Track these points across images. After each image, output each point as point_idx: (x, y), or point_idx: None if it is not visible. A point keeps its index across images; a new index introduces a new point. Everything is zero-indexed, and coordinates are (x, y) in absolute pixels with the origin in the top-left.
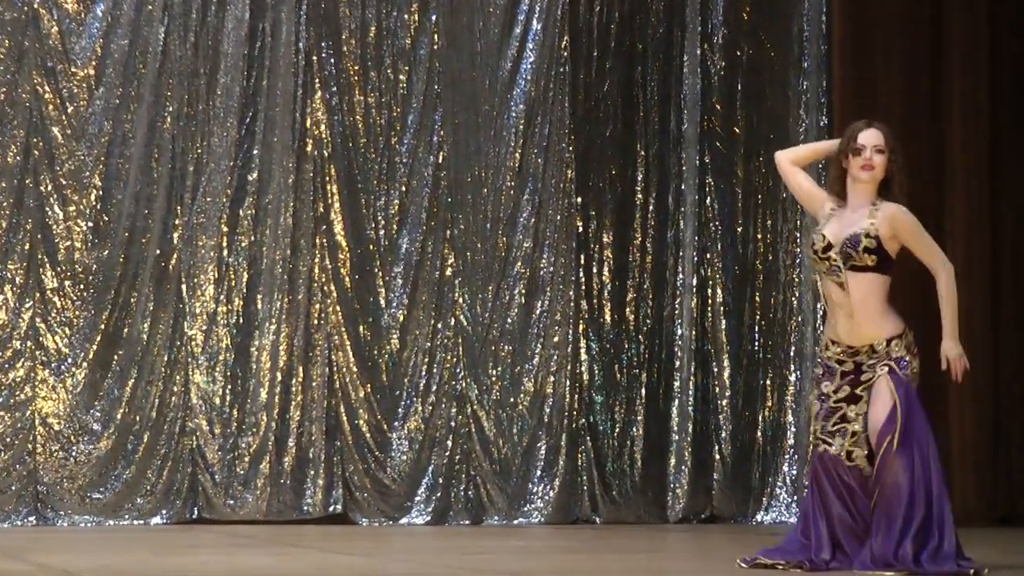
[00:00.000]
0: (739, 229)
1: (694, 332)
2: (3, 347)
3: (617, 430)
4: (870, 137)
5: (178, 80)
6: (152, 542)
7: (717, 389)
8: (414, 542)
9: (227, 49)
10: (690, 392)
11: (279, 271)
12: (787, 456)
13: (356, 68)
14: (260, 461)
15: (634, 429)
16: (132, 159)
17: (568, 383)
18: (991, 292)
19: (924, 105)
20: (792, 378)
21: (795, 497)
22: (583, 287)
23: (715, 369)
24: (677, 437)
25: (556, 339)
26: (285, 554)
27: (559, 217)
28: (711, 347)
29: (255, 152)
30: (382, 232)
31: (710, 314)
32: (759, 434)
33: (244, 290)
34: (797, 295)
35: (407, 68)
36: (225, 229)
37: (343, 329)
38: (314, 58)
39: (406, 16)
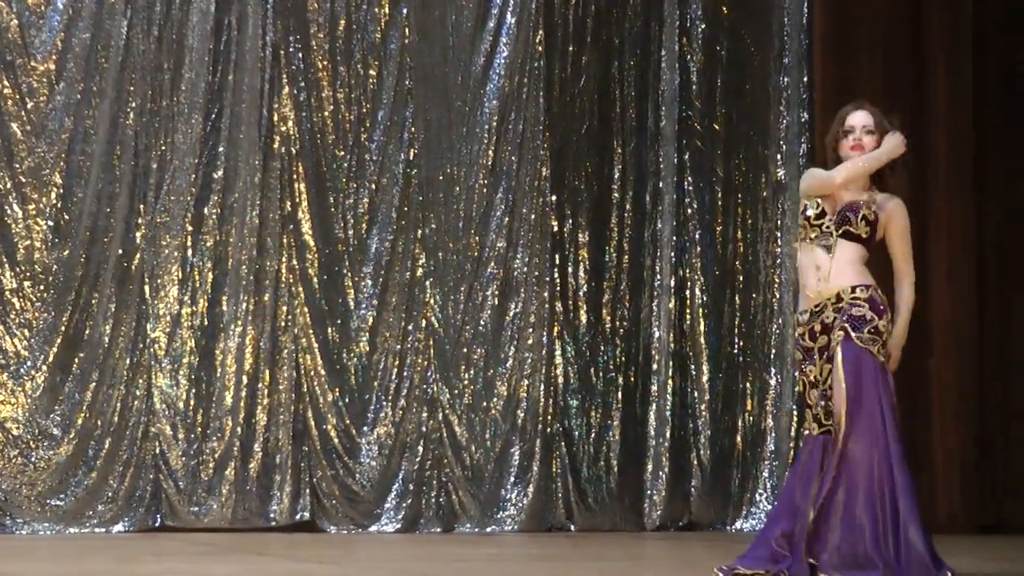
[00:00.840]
0: (718, 228)
1: (672, 334)
2: None
3: (593, 435)
4: (859, 118)
5: (141, 75)
6: (114, 550)
7: (696, 393)
8: (384, 550)
9: (192, 43)
10: (668, 396)
11: (245, 271)
12: (767, 462)
13: (325, 63)
14: (225, 467)
15: (610, 434)
16: (94, 156)
17: (542, 387)
18: (975, 292)
19: (907, 102)
20: (773, 382)
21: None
22: (558, 288)
23: (694, 372)
24: (654, 442)
25: (530, 341)
26: (251, 563)
27: (533, 216)
28: (690, 350)
29: (220, 149)
30: (351, 231)
31: (689, 316)
32: (739, 439)
33: (209, 291)
34: (778, 296)
35: (377, 63)
36: (190, 228)
37: (311, 331)
38: (281, 52)
39: (376, 10)
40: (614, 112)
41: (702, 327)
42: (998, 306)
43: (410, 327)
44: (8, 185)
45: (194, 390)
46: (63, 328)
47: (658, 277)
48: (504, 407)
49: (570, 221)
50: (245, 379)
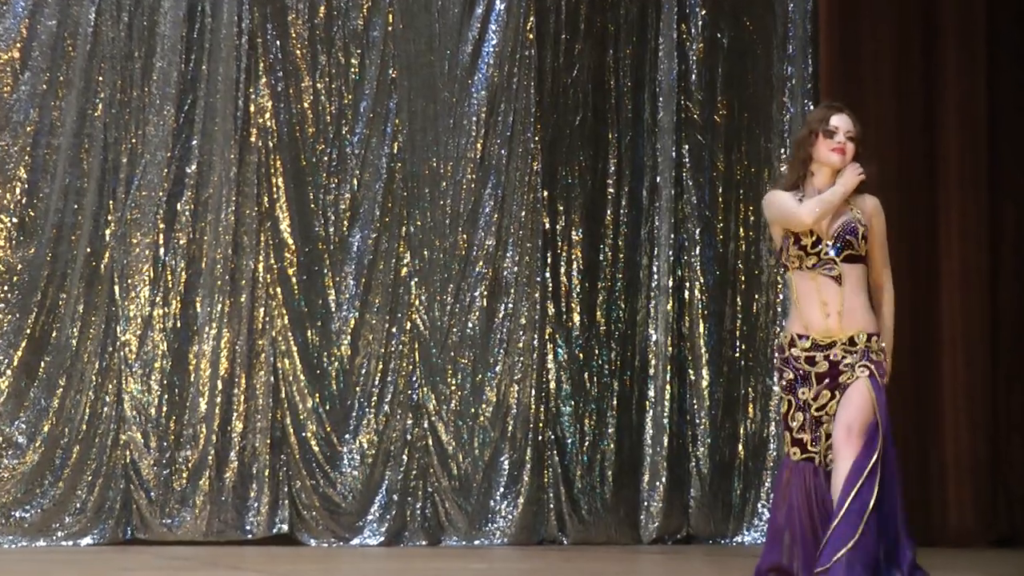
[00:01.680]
0: (719, 226)
1: (670, 337)
2: None
3: (587, 443)
4: (843, 122)
5: (110, 64)
6: (82, 565)
7: (695, 399)
8: (366, 565)
9: (164, 31)
10: (665, 402)
11: (220, 271)
12: (770, 472)
13: (304, 51)
14: (199, 477)
15: (605, 442)
16: (60, 150)
17: (533, 392)
18: (989, 293)
19: (917, 94)
20: (776, 388)
21: None
22: (550, 288)
23: (692, 377)
24: (651, 451)
25: (521, 345)
26: None
27: (524, 213)
28: (688, 353)
29: (194, 142)
30: (332, 229)
31: (687, 318)
32: (740, 448)
33: (182, 292)
34: (781, 297)
35: (359, 51)
36: (162, 226)
37: (289, 334)
38: (258, 40)
39: None
40: (609, 103)
41: (701, 330)
42: (1014, 308)
43: (394, 329)
44: None
45: (166, 396)
46: (28, 331)
47: (655, 277)
48: (493, 414)
49: (563, 218)
50: (220, 384)
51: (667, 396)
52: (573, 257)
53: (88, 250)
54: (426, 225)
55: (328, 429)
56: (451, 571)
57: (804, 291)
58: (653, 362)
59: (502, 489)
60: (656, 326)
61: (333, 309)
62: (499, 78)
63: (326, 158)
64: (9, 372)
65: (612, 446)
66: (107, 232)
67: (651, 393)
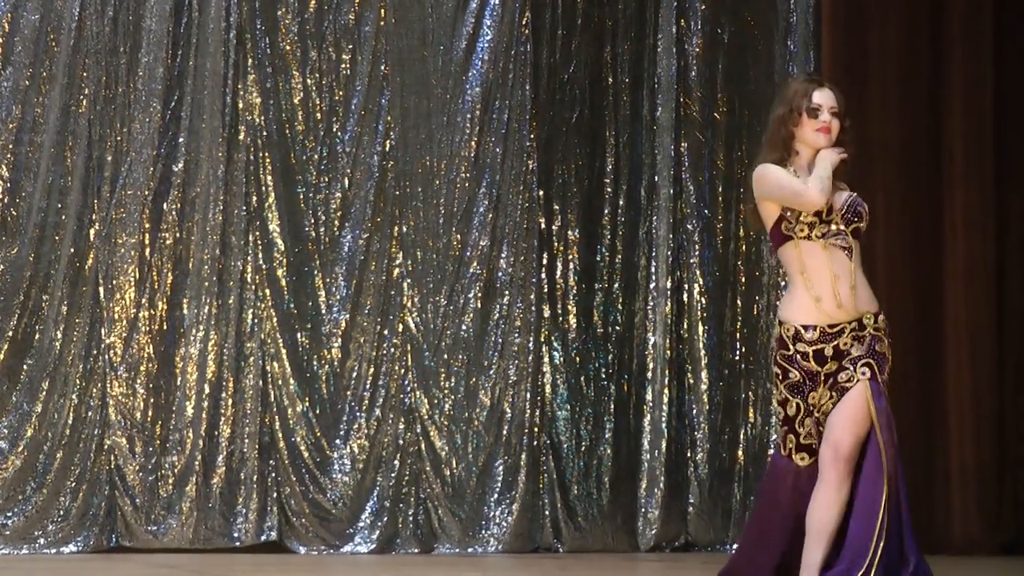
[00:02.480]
0: (719, 226)
1: (668, 340)
2: None
3: (583, 448)
4: (826, 97)
5: (95, 60)
6: (65, 573)
7: (694, 403)
8: (357, 573)
9: (150, 25)
10: (664, 406)
11: (207, 272)
12: None
13: (293, 47)
14: (186, 483)
15: (602, 447)
16: (43, 147)
17: (529, 396)
18: (996, 291)
19: (922, 90)
20: (776, 386)
21: None
22: (546, 290)
23: (691, 381)
24: (649, 456)
25: (516, 348)
26: None
27: (519, 212)
28: (687, 356)
29: (181, 140)
30: (322, 229)
31: (686, 320)
32: (740, 453)
33: (168, 293)
34: (782, 298)
35: (351, 47)
36: (147, 225)
37: (278, 336)
38: (247, 36)
39: None
40: (606, 100)
41: (701, 332)
42: (1021, 307)
43: (386, 332)
44: None
45: (152, 400)
46: (10, 333)
47: (653, 278)
48: (487, 418)
49: (559, 218)
50: (207, 388)
51: (665, 400)
52: (569, 258)
53: (72, 250)
54: (419, 225)
55: (318, 434)
56: None
57: (815, 264)
58: (651, 365)
59: (496, 495)
60: (654, 328)
61: (323, 311)
62: (494, 74)
63: (316, 156)
64: None
65: (609, 451)
66: (91, 232)
67: (649, 397)
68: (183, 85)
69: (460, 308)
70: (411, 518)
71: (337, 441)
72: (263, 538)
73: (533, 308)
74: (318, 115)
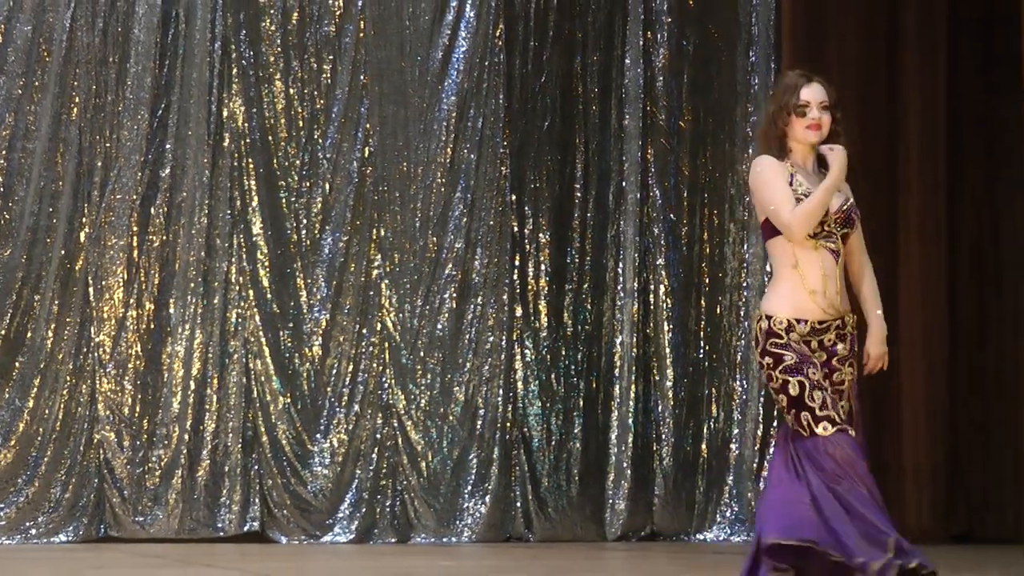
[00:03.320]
0: (683, 229)
1: (635, 339)
2: None
3: (553, 442)
4: (815, 93)
5: (85, 69)
6: (56, 562)
7: (659, 399)
8: (337, 562)
9: (138, 36)
10: (630, 402)
11: (193, 273)
12: (732, 470)
13: (276, 57)
14: (172, 475)
15: (571, 442)
16: (35, 153)
17: (501, 393)
18: (947, 295)
19: (879, 99)
20: (738, 388)
21: (741, 513)
22: (518, 290)
23: (657, 378)
24: (616, 450)
25: (489, 346)
26: (198, 574)
27: (493, 216)
28: (653, 355)
29: (168, 146)
30: (304, 232)
31: (652, 320)
32: (703, 447)
33: (155, 293)
34: (744, 299)
35: (331, 57)
36: (135, 228)
37: (261, 335)
38: (232, 46)
39: (330, 1)
40: (576, 109)
41: (666, 331)
42: (972, 311)
43: (365, 330)
44: None
45: (140, 396)
46: (3, 332)
47: (621, 280)
48: (462, 413)
49: (530, 221)
50: (193, 384)
51: (632, 396)
52: (541, 260)
53: (63, 252)
54: (396, 228)
55: (299, 428)
56: (420, 568)
57: (808, 264)
58: (619, 363)
59: (470, 487)
60: (622, 327)
61: (305, 311)
62: (469, 84)
63: (298, 162)
64: None
65: (578, 445)
66: (82, 234)
67: (616, 393)
68: (170, 94)
69: (436, 308)
70: (388, 509)
71: (318, 435)
72: (246, 528)
73: (506, 308)
74: (300, 123)
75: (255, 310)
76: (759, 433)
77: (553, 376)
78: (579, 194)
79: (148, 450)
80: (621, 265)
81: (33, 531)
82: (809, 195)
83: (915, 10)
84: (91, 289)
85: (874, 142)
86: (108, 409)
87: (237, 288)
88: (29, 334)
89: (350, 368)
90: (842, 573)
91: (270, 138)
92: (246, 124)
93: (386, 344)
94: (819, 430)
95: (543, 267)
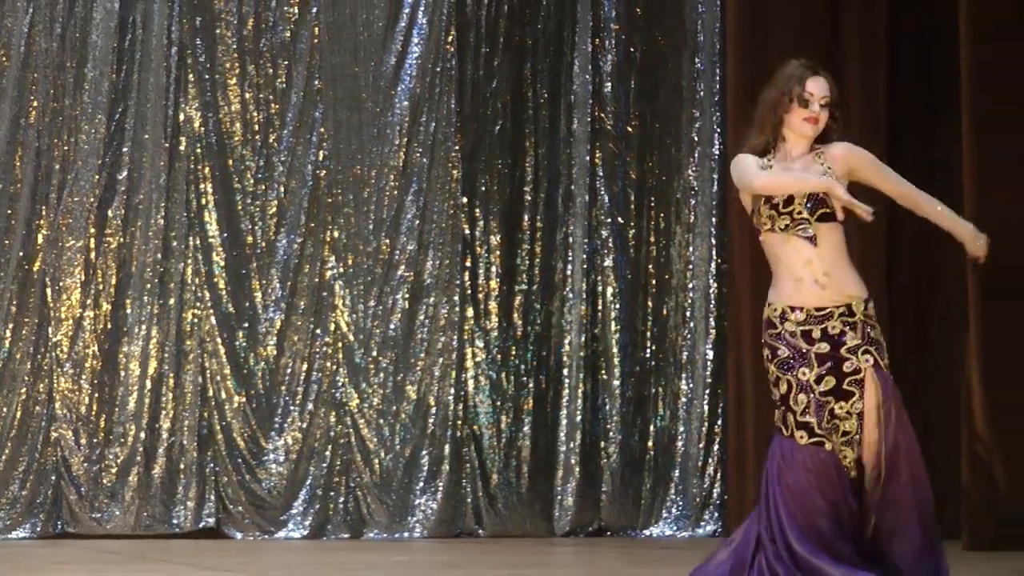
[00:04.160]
0: (631, 232)
1: (584, 338)
2: None
3: (503, 440)
4: (820, 87)
5: (43, 74)
6: (13, 558)
7: (607, 398)
8: (291, 557)
9: (96, 41)
10: (579, 401)
11: (150, 274)
12: (678, 468)
13: (232, 62)
14: (128, 473)
15: (521, 439)
16: None
17: (453, 391)
18: (888, 304)
19: None
20: (684, 387)
21: (687, 509)
22: (469, 291)
23: (605, 377)
24: (565, 448)
25: (440, 346)
26: (155, 570)
27: (444, 218)
28: (601, 354)
29: (125, 149)
30: (259, 233)
31: (600, 320)
32: (650, 444)
33: (112, 294)
34: (690, 300)
35: (286, 62)
36: (93, 230)
37: (217, 335)
38: (188, 51)
39: (286, 8)
40: (526, 114)
41: (613, 331)
42: (911, 320)
43: (318, 330)
44: None
45: (97, 395)
46: None
47: (570, 281)
48: (414, 412)
49: (481, 223)
50: (149, 383)
51: (580, 395)
52: (491, 261)
53: (21, 254)
54: (350, 230)
55: (254, 427)
56: (372, 563)
57: (786, 256)
58: (567, 362)
59: (422, 484)
60: (570, 328)
61: (260, 311)
62: (421, 89)
63: (253, 165)
64: None
65: (528, 442)
66: (40, 236)
67: (565, 392)
68: (127, 98)
69: (388, 309)
70: (341, 505)
71: (272, 433)
72: (201, 525)
73: (457, 309)
74: (255, 127)
75: (211, 310)
76: (704, 431)
77: (503, 375)
78: (529, 197)
79: (105, 448)
80: (570, 267)
81: None
82: (773, 167)
83: (856, 24)
84: (49, 290)
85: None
86: (65, 408)
87: (193, 289)
88: None
89: (304, 367)
90: None
91: (226, 141)
92: (202, 128)
93: (339, 344)
94: (797, 436)
95: (494, 268)
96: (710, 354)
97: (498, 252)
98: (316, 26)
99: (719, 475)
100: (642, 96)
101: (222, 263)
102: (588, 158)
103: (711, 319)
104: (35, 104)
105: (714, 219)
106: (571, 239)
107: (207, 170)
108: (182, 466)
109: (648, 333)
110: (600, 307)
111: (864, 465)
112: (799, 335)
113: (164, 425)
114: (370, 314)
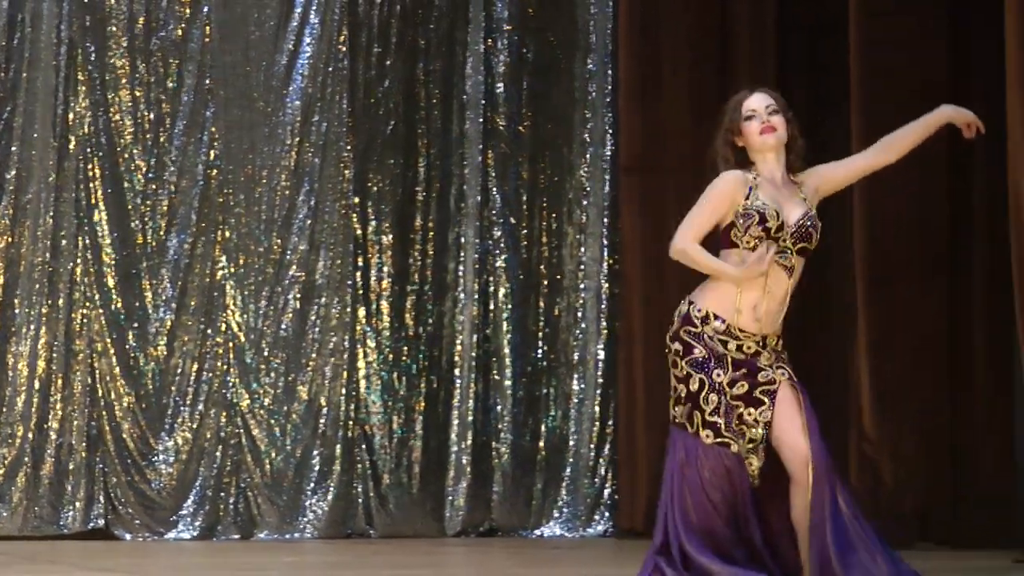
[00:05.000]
0: (523, 232)
1: (475, 339)
2: None
3: (395, 440)
4: (758, 100)
5: None
6: None
7: (498, 398)
8: (181, 558)
9: None
10: (470, 401)
11: (38, 274)
12: (570, 468)
13: (122, 61)
14: (16, 474)
15: (412, 439)
16: None
17: (344, 391)
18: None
19: (711, 108)
20: (576, 387)
21: (577, 510)
22: (361, 292)
23: (496, 377)
24: (456, 448)
25: (332, 346)
26: (44, 572)
27: (336, 218)
28: (493, 355)
29: (13, 149)
30: (149, 233)
31: (492, 320)
32: (541, 444)
33: (0, 294)
34: (582, 301)
35: (177, 61)
36: None
37: (107, 335)
38: (78, 50)
39: (177, 6)
40: (419, 114)
41: (505, 331)
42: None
43: (209, 331)
44: None
45: None
46: None
47: (461, 281)
48: (305, 412)
49: (373, 223)
50: (37, 384)
51: (472, 395)
52: (383, 261)
53: None
54: (241, 230)
55: (144, 427)
56: (263, 564)
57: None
58: (459, 362)
59: (313, 484)
60: (462, 328)
61: (150, 311)
62: (313, 89)
63: (144, 164)
64: None
65: (419, 443)
66: None
67: (457, 392)
68: (16, 97)
69: (280, 309)
70: (232, 506)
71: (162, 434)
72: (90, 526)
73: (349, 309)
74: (146, 126)
75: (100, 310)
76: (595, 431)
77: (395, 375)
78: (421, 197)
79: None
80: (462, 267)
81: None
82: (765, 211)
83: (746, 18)
84: None
85: (709, 149)
86: None
87: (82, 288)
88: None
89: (195, 367)
90: None
91: (116, 141)
92: (92, 127)
93: (230, 344)
94: (702, 435)
95: (386, 269)
96: (602, 354)
97: (390, 252)
98: (207, 25)
99: (610, 475)
100: (534, 97)
101: (112, 263)
102: (480, 159)
103: (603, 320)
104: None
105: (606, 220)
106: (463, 239)
107: (97, 169)
108: (71, 467)
109: (540, 333)
110: (492, 307)
111: (793, 474)
112: (716, 340)
113: (53, 425)
114: (261, 314)
